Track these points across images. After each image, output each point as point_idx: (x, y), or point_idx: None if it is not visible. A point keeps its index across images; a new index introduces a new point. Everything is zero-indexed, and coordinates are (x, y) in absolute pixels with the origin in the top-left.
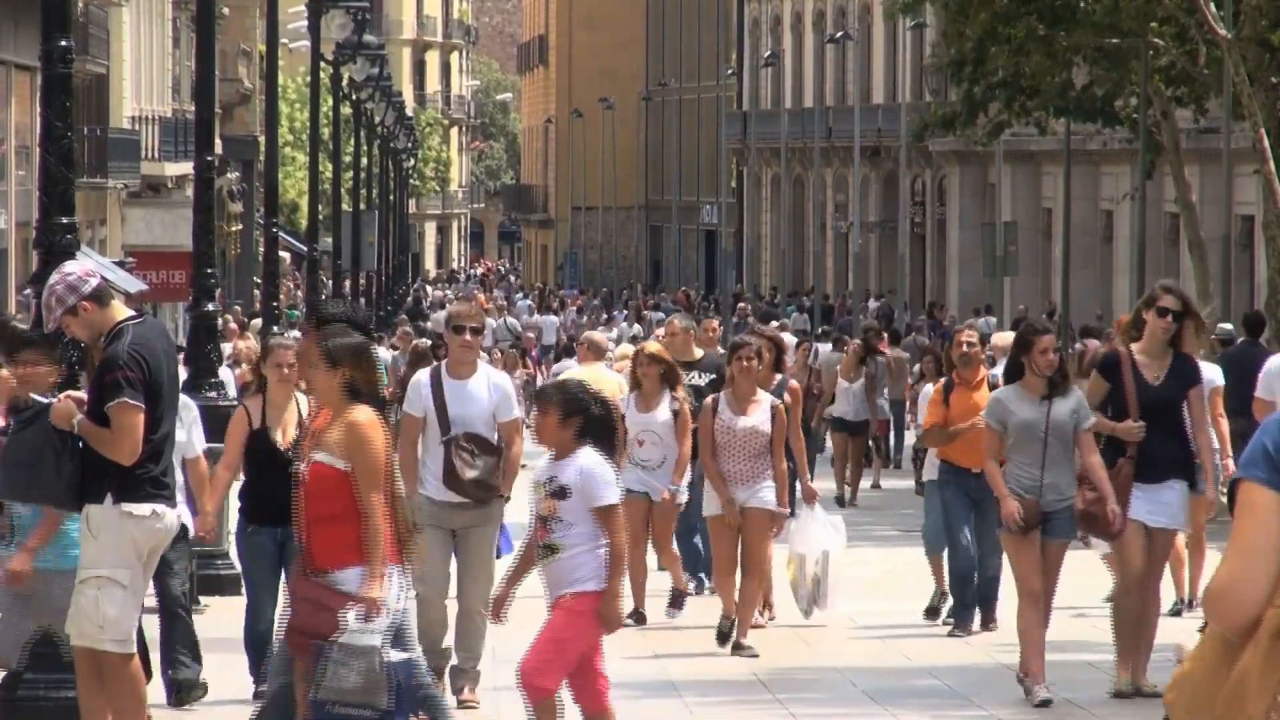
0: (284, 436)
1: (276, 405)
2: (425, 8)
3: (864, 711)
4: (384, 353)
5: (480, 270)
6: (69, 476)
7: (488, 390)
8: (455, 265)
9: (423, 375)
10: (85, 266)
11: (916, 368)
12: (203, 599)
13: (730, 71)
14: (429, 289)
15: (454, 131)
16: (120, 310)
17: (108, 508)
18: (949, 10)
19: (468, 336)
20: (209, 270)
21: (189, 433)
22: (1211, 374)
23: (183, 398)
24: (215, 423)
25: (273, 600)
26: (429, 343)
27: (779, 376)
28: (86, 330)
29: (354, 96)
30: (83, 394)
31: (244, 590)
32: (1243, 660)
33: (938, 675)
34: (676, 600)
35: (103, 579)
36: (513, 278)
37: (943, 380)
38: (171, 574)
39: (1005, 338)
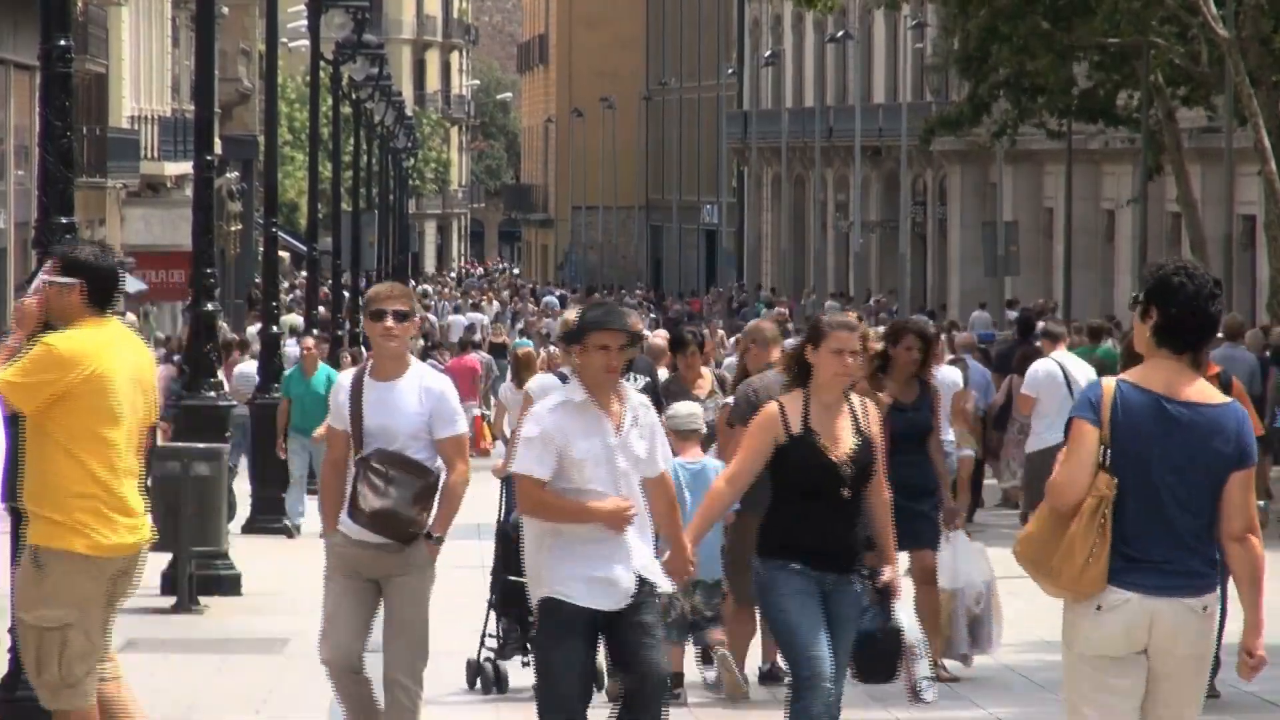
0: (836, 447)
1: (826, 406)
2: (425, 7)
3: (865, 711)
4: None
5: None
6: None
7: (418, 396)
8: (455, 265)
9: (345, 378)
10: None
11: None
12: (202, 599)
13: (730, 71)
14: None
15: (454, 131)
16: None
17: None
18: (949, 6)
19: (389, 322)
20: (208, 270)
21: (651, 442)
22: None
23: (641, 397)
24: (214, 423)
25: (838, 669)
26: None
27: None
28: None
29: (354, 96)
30: None
31: (785, 653)
32: (1071, 528)
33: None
34: None
35: None
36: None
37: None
38: (650, 639)
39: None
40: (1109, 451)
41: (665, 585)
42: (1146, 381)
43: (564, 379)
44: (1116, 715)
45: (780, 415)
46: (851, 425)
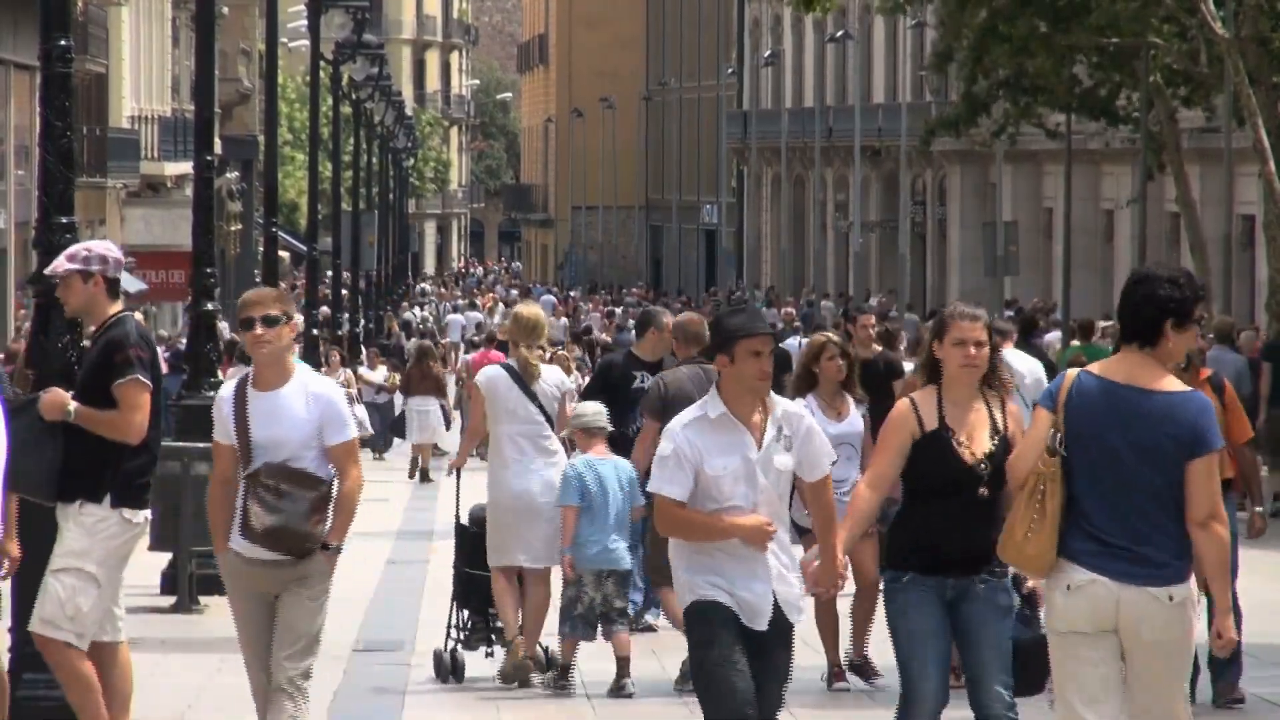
0: (972, 446)
1: (958, 403)
2: (425, 7)
3: (865, 711)
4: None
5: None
6: (50, 468)
7: (304, 403)
8: (459, 265)
9: (226, 390)
10: (122, 259)
11: None
12: (202, 599)
13: (730, 71)
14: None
15: (454, 131)
16: (118, 307)
17: (106, 509)
18: (947, 5)
19: (258, 330)
20: (208, 270)
21: (803, 449)
22: None
23: (789, 404)
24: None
25: (943, 689)
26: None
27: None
28: (80, 301)
29: (354, 96)
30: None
31: (900, 669)
32: (1015, 505)
33: None
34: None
35: (83, 572)
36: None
37: None
38: (776, 686)
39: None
40: (1059, 435)
41: (798, 618)
42: (1107, 371)
43: (510, 370)
44: (1089, 687)
45: (913, 411)
46: (989, 425)
